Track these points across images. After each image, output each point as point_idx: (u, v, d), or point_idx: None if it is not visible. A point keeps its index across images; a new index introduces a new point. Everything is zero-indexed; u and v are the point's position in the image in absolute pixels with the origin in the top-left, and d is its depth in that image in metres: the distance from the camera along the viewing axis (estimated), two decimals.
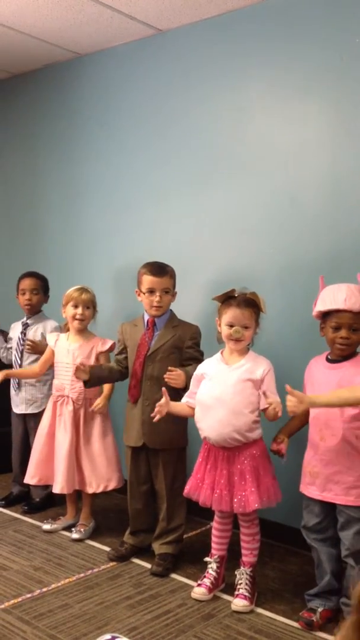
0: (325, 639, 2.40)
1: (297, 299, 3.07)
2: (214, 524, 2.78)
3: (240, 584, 2.65)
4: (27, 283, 3.70)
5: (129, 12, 3.43)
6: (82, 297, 3.30)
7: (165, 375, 2.84)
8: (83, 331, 3.37)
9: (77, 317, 3.30)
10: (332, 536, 2.53)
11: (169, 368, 2.86)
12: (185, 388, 2.82)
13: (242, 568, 2.69)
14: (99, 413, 3.27)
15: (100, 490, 3.28)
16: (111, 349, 3.32)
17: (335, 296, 2.47)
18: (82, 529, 3.31)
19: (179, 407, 2.76)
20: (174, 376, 2.84)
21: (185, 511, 3.04)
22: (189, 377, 2.82)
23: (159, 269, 2.98)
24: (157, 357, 2.96)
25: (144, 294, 2.98)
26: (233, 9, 3.32)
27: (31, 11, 3.47)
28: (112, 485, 3.28)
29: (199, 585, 2.71)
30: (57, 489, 3.26)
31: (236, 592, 2.63)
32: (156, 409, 2.71)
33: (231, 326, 2.61)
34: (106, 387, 3.30)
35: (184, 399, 2.76)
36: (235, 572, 2.70)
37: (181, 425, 2.98)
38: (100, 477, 3.27)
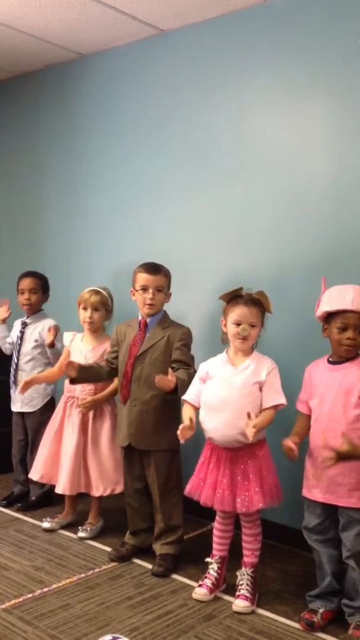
0: None
1: (299, 300, 3.07)
2: (216, 524, 2.78)
3: (242, 584, 2.65)
4: (25, 283, 3.70)
5: (132, 13, 3.43)
6: (90, 299, 3.31)
7: (156, 379, 2.77)
8: (97, 332, 3.37)
9: (86, 320, 3.32)
10: (333, 537, 2.53)
11: (170, 373, 2.80)
12: (173, 392, 2.81)
13: (243, 569, 2.69)
14: (81, 408, 3.23)
15: (107, 493, 3.27)
16: None
17: (342, 297, 2.48)
18: (88, 528, 3.32)
19: (189, 412, 2.69)
20: (165, 381, 2.76)
21: (182, 511, 3.03)
22: (180, 383, 2.79)
23: (153, 267, 3.00)
24: (146, 359, 2.96)
25: (137, 291, 2.99)
26: (235, 10, 3.32)
27: (33, 11, 3.47)
28: (119, 489, 3.26)
29: (200, 585, 2.71)
30: (59, 489, 3.27)
31: (237, 593, 2.63)
32: (180, 435, 2.59)
33: (238, 324, 2.61)
34: (105, 390, 3.28)
35: (188, 397, 2.73)
36: (237, 573, 2.69)
37: (170, 426, 2.93)
38: (108, 480, 3.26)
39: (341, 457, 2.37)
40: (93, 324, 3.33)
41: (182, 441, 2.61)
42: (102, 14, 3.46)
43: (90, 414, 3.28)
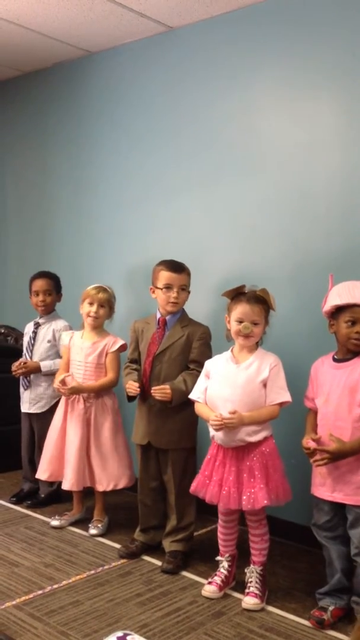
0: (337, 638, 2.39)
1: (308, 297, 3.06)
2: (219, 527, 2.77)
3: (251, 582, 2.64)
4: (39, 284, 3.70)
5: (140, 10, 3.43)
6: (98, 295, 3.32)
7: (152, 390, 2.85)
8: (97, 329, 3.38)
9: (91, 314, 3.33)
10: (342, 534, 2.52)
11: (154, 388, 2.87)
12: (171, 402, 2.84)
13: (252, 566, 2.68)
14: (66, 392, 3.22)
15: (110, 488, 3.29)
16: (121, 349, 3.32)
17: (351, 291, 2.48)
18: (99, 525, 3.34)
19: (208, 409, 2.67)
20: (159, 392, 2.84)
21: (195, 509, 3.03)
22: (176, 392, 2.82)
23: (177, 266, 3.00)
24: (165, 357, 2.96)
25: (160, 289, 2.98)
26: (244, 6, 3.31)
27: (42, 9, 3.47)
28: (122, 484, 3.29)
29: (210, 583, 2.71)
30: (66, 485, 3.28)
31: (247, 590, 2.63)
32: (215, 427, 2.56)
33: (240, 322, 2.60)
34: (96, 382, 3.28)
35: (195, 397, 2.74)
36: (246, 570, 2.69)
37: (189, 425, 2.97)
38: (111, 475, 3.28)
39: (334, 457, 2.38)
40: (97, 319, 3.34)
41: (216, 431, 2.58)
42: (110, 11, 3.46)
43: (93, 409, 3.30)
